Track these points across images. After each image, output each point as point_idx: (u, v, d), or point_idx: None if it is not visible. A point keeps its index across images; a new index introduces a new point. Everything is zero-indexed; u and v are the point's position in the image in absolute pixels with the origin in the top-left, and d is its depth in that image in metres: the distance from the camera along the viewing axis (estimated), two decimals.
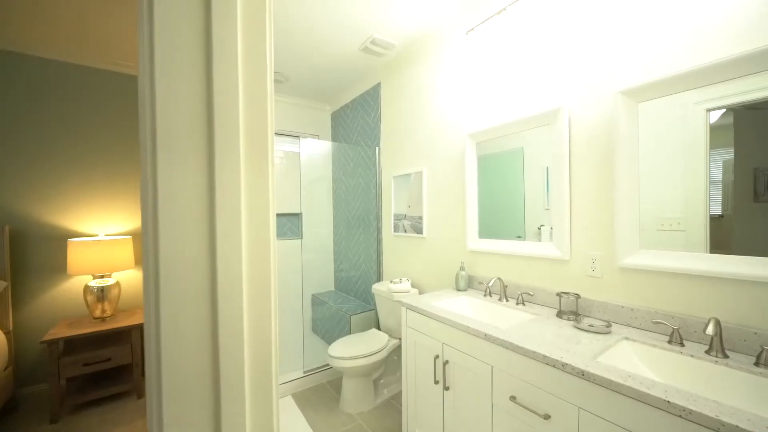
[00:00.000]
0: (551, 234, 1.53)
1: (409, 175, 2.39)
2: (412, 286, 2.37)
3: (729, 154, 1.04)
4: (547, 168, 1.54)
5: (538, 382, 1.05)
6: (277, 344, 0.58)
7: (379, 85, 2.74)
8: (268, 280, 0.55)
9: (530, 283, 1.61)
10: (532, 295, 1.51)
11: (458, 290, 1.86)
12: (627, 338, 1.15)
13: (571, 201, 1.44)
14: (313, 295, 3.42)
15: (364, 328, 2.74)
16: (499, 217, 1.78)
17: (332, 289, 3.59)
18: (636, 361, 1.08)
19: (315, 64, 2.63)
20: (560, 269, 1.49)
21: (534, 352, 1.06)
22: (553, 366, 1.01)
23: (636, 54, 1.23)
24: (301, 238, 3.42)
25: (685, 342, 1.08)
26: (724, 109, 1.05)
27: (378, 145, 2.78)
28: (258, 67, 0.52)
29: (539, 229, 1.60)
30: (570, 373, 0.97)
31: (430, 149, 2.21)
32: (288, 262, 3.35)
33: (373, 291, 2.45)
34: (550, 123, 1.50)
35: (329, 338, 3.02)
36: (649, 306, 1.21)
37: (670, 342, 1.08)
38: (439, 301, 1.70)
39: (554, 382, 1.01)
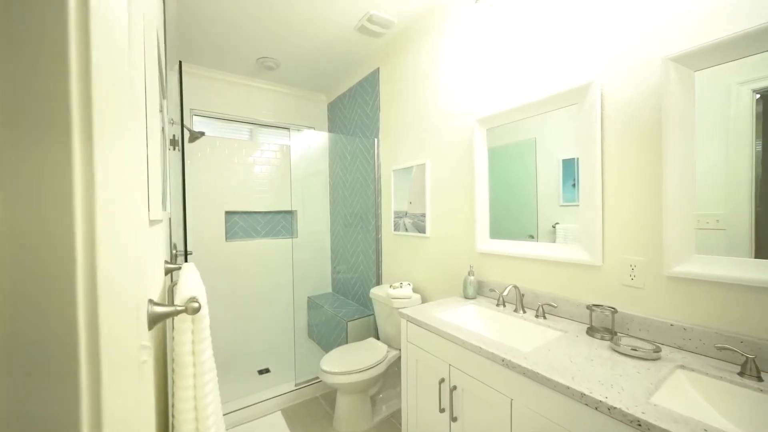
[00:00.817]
0: (566, 234, 1.31)
1: (411, 168, 2.16)
2: (414, 291, 2.14)
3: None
4: (562, 160, 1.32)
5: (573, 425, 0.82)
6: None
7: (377, 70, 2.51)
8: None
9: (552, 292, 1.37)
10: (555, 307, 1.27)
11: (466, 298, 1.63)
12: (682, 367, 0.91)
13: (603, 195, 1.20)
14: (308, 297, 3.20)
15: (362, 335, 2.52)
16: (509, 215, 1.55)
17: (329, 291, 3.37)
18: (700, 400, 0.85)
19: (308, 48, 2.40)
20: (590, 277, 1.25)
21: (568, 387, 0.83)
22: (595, 408, 0.77)
23: (689, 10, 0.99)
24: (293, 237, 3.20)
25: (763, 375, 0.84)
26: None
27: (377, 136, 2.55)
28: None
29: (554, 227, 1.37)
30: (618, 419, 0.74)
31: (434, 139, 1.97)
32: (281, 263, 3.13)
33: (371, 296, 2.23)
34: (577, 102, 1.26)
35: (326, 345, 2.81)
36: (708, 325, 0.97)
37: (742, 374, 0.84)
38: (445, 311, 1.47)
39: (596, 426, 0.78)
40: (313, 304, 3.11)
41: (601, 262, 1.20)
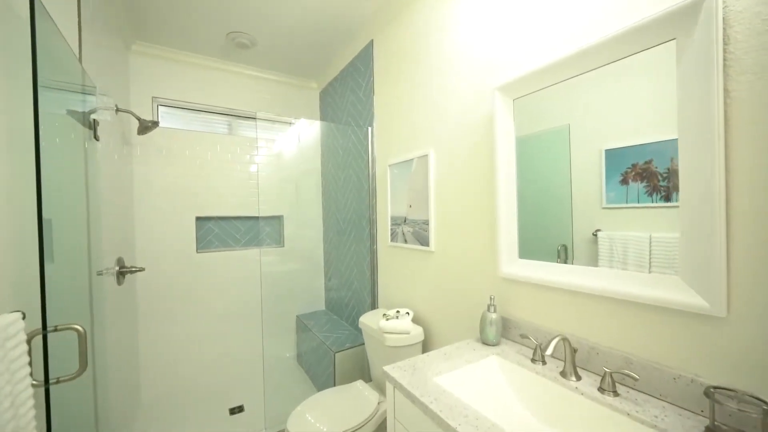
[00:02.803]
0: (613, 245, 0.87)
1: (410, 161, 1.67)
2: (415, 322, 1.65)
3: None
4: (605, 150, 0.91)
5: None
6: None
7: (371, 44, 2.04)
8: None
9: (628, 351, 0.86)
10: (637, 379, 0.77)
11: (485, 343, 1.13)
12: None
13: (728, 190, 0.69)
14: (297, 316, 2.75)
15: (352, 371, 2.04)
16: (538, 224, 1.08)
17: (322, 308, 2.91)
18: None
19: (285, 17, 1.95)
20: (703, 334, 0.73)
21: None
22: None
23: None
24: (279, 245, 2.76)
25: None
26: None
27: (370, 124, 2.08)
28: None
29: (595, 235, 0.93)
30: None
31: (440, 122, 1.48)
32: (268, 276, 2.69)
33: (360, 326, 1.75)
34: (677, 34, 0.75)
35: (314, 377, 2.34)
36: None
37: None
38: (454, 370, 0.98)
39: None
40: (301, 325, 2.65)
41: (724, 310, 0.69)
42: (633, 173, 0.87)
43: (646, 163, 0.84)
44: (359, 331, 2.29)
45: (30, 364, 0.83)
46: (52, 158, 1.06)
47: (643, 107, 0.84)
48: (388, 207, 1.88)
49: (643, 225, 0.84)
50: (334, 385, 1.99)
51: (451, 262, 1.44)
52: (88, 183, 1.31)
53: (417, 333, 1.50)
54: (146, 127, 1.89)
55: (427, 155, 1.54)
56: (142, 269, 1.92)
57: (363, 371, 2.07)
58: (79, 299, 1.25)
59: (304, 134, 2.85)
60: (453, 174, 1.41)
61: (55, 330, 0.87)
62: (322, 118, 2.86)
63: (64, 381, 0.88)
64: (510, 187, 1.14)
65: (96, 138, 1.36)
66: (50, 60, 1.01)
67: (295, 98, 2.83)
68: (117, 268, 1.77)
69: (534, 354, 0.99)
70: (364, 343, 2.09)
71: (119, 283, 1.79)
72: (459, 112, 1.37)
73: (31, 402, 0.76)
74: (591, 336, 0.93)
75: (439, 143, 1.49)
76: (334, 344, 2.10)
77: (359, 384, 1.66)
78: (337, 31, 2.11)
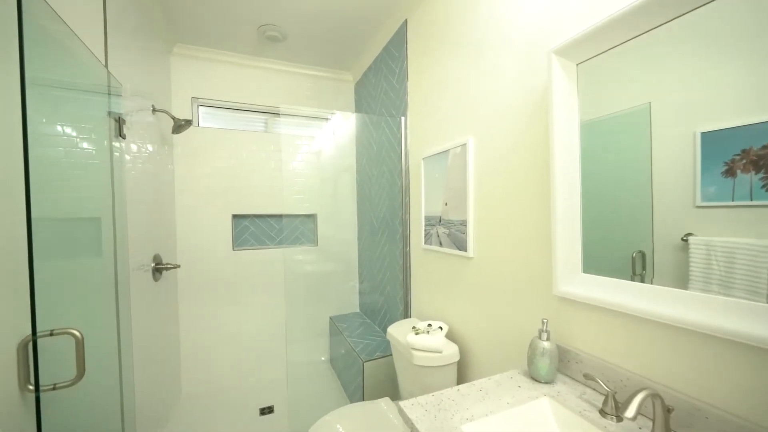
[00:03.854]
0: (712, 256, 0.64)
1: (446, 152, 1.46)
2: (450, 338, 1.43)
3: None
4: (701, 134, 0.64)
5: None
6: None
7: (404, 24, 1.84)
8: None
9: (755, 420, 0.58)
10: None
11: (535, 379, 0.89)
12: None
13: None
14: (331, 318, 2.67)
15: (384, 381, 1.88)
16: (605, 224, 0.82)
17: (356, 310, 2.79)
18: None
19: (315, 6, 1.84)
20: None
21: None
22: None
23: None
24: (308, 245, 2.69)
25: None
26: None
27: (404, 113, 1.88)
28: None
29: (684, 240, 0.68)
30: None
31: (482, 103, 1.24)
32: (301, 275, 2.64)
33: (387, 337, 1.58)
34: None
35: (345, 382, 2.23)
36: None
37: None
38: (491, 413, 0.76)
39: None
40: (333, 327, 2.56)
41: None
42: (744, 161, 0.59)
43: (764, 147, 0.56)
44: None
45: (36, 366, 0.79)
46: (72, 156, 1.05)
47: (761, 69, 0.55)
48: (421, 205, 1.68)
49: (760, 231, 0.57)
50: (363, 396, 1.85)
51: (492, 272, 1.20)
52: (114, 179, 1.30)
53: (451, 353, 1.28)
54: (180, 125, 1.91)
55: (465, 144, 1.31)
56: (177, 266, 1.95)
57: (394, 384, 1.90)
58: (107, 295, 1.25)
59: (339, 129, 2.75)
60: (496, 166, 1.17)
61: (51, 335, 0.82)
62: (357, 112, 2.73)
63: (62, 388, 0.83)
64: (571, 182, 0.88)
65: (122, 136, 1.36)
66: (67, 62, 1.00)
67: (330, 93, 2.73)
68: (153, 264, 1.81)
69: (604, 404, 0.73)
70: None
71: (155, 279, 1.83)
72: (505, 90, 1.13)
73: None
74: (694, 390, 0.66)
75: (480, 130, 1.25)
76: (363, 352, 1.96)
77: (384, 403, 1.49)
78: (368, 12, 1.95)
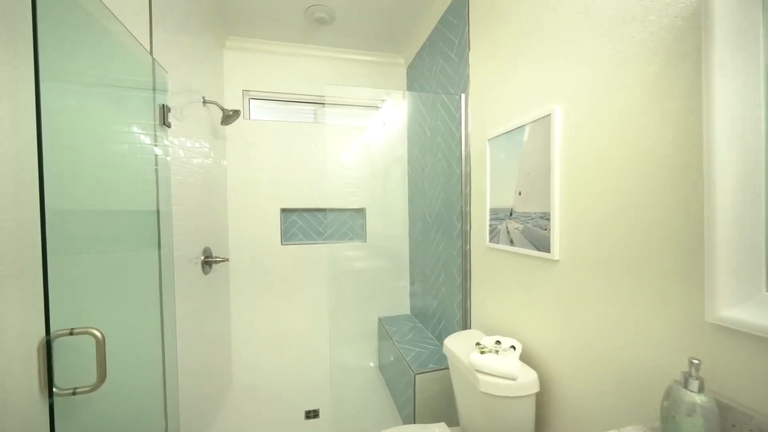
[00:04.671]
0: None
1: (521, 129, 1.17)
2: (524, 360, 1.15)
3: None
4: None
5: None
6: None
7: None
8: None
9: None
10: None
11: None
12: None
13: None
14: (379, 319, 2.50)
15: (438, 398, 1.65)
16: None
17: (407, 312, 2.59)
18: None
19: None
20: None
21: None
22: None
23: None
24: (356, 241, 2.53)
25: None
26: None
27: (464, 90, 1.62)
28: None
29: None
30: None
31: (576, 55, 0.94)
32: (349, 273, 2.51)
33: (444, 351, 1.34)
34: None
35: (395, 393, 2.04)
36: None
37: None
38: None
39: None
40: (382, 330, 2.38)
41: None
42: None
43: None
44: None
45: (50, 369, 0.72)
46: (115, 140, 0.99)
47: None
48: (486, 196, 1.40)
49: None
50: (414, 412, 1.64)
51: (589, 281, 0.90)
52: (158, 169, 1.25)
53: (528, 381, 1.01)
54: (228, 116, 1.87)
55: (548, 116, 1.02)
56: (225, 260, 1.93)
57: (450, 404, 1.66)
58: (151, 288, 1.21)
59: (390, 118, 2.55)
60: (598, 141, 0.87)
61: (71, 334, 0.75)
62: (411, 98, 2.50)
63: (82, 393, 0.75)
64: (745, 160, 0.57)
65: (167, 124, 1.31)
66: (107, 44, 0.93)
67: (380, 78, 2.55)
68: (203, 257, 1.79)
69: None
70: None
71: (205, 272, 1.81)
72: (619, 29, 0.82)
73: None
74: None
75: (573, 94, 0.95)
76: (415, 362, 1.74)
77: (440, 430, 1.26)
78: None
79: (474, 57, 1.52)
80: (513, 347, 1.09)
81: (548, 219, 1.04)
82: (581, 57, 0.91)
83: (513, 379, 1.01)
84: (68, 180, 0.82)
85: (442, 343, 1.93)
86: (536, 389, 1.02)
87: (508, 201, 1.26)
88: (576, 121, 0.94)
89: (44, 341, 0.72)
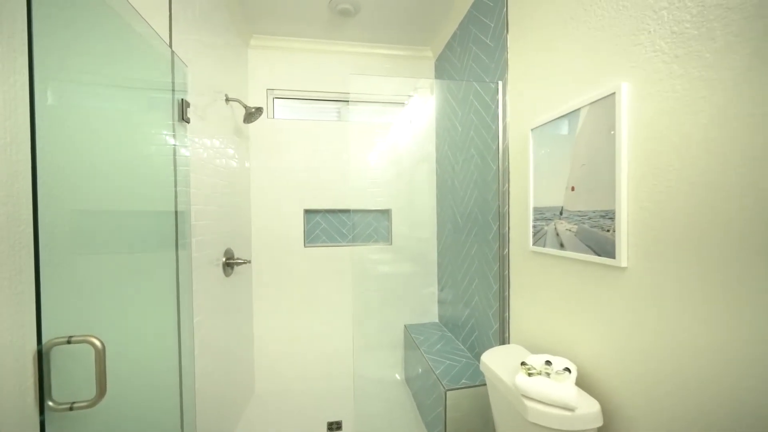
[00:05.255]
0: None
1: (574, 114, 1.00)
2: (581, 386, 0.97)
3: None
4: None
5: None
6: None
7: None
8: None
9: None
10: None
11: None
12: None
13: None
14: (405, 326, 2.36)
15: (471, 417, 1.49)
16: None
17: (435, 320, 2.43)
18: None
19: None
20: None
21: None
22: None
23: None
24: (381, 243, 2.41)
25: None
26: None
27: (501, 77, 1.46)
28: None
29: None
30: None
31: (650, 26, 0.78)
32: (374, 277, 2.40)
33: (481, 368, 1.18)
34: None
35: (422, 408, 1.89)
36: None
37: None
38: None
39: None
40: (409, 338, 2.24)
41: None
42: None
43: None
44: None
45: (41, 382, 0.65)
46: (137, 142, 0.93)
47: None
48: (529, 193, 1.24)
49: None
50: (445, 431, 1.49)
51: (670, 295, 0.73)
52: (177, 163, 1.20)
53: (589, 413, 0.83)
54: (251, 113, 1.82)
55: (612, 95, 0.85)
56: (247, 261, 1.87)
57: (486, 426, 1.49)
58: (168, 290, 1.15)
59: (417, 114, 2.43)
60: (680, 121, 0.70)
61: (68, 342, 0.67)
62: (439, 93, 2.36)
63: (79, 408, 0.68)
64: None
65: (185, 120, 1.26)
66: (125, 33, 0.87)
67: (407, 74, 2.43)
68: (224, 259, 1.74)
69: None
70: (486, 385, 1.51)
71: (226, 274, 1.76)
72: None
73: None
74: None
75: (645, 66, 0.78)
76: (445, 376, 1.59)
77: None
78: None
79: (513, 39, 1.37)
80: (568, 370, 0.92)
81: (612, 218, 0.87)
82: (658, 24, 0.74)
83: (570, 409, 0.84)
84: (83, 180, 0.76)
85: (474, 355, 1.76)
86: (599, 423, 0.84)
87: (556, 198, 1.09)
88: (650, 100, 0.77)
89: (46, 347, 0.65)
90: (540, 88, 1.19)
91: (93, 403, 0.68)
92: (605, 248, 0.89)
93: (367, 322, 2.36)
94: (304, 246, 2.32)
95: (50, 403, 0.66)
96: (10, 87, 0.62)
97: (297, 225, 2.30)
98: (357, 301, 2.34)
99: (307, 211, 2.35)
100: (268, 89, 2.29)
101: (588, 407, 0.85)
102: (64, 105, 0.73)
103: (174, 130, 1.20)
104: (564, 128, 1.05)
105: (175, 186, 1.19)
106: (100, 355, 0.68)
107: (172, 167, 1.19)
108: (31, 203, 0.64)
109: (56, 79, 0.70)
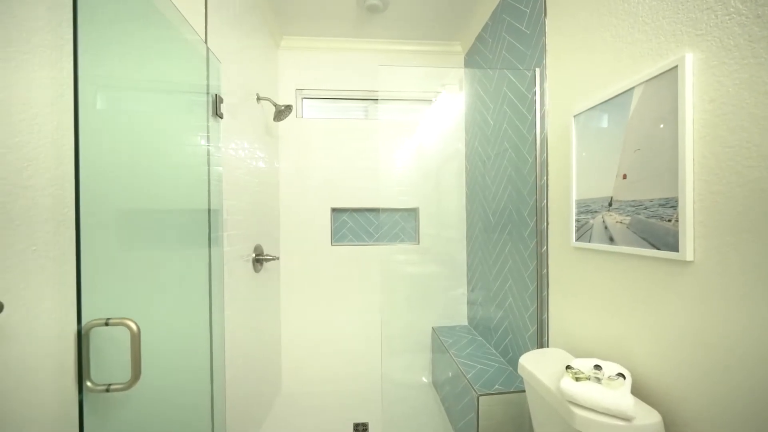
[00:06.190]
0: None
1: (627, 94, 0.91)
2: (637, 395, 0.87)
3: None
4: None
5: None
6: None
7: None
8: None
9: None
10: None
11: None
12: None
13: None
14: (433, 329, 2.29)
15: (506, 425, 1.40)
16: None
17: (464, 323, 2.34)
18: None
19: None
20: None
21: None
22: None
23: None
24: (408, 243, 2.35)
25: None
26: None
27: (539, 64, 1.38)
28: None
29: None
30: None
31: None
32: (401, 277, 2.35)
33: (519, 371, 1.10)
34: None
35: (452, 413, 1.81)
36: None
37: None
38: None
39: None
40: (437, 341, 2.17)
41: None
42: None
43: None
44: (514, 366, 1.61)
45: (80, 362, 0.66)
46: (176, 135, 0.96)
47: None
48: (572, 185, 1.15)
49: None
50: None
51: (747, 292, 0.63)
52: (210, 163, 1.22)
53: (649, 424, 0.74)
54: (280, 111, 1.84)
55: (674, 68, 0.77)
56: (276, 258, 1.89)
57: None
58: (201, 285, 1.17)
59: (445, 111, 2.37)
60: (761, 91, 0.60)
61: (106, 324, 0.68)
62: (469, 89, 2.30)
63: (116, 390, 0.68)
64: None
65: (219, 115, 1.28)
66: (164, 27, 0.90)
67: (436, 70, 2.39)
68: (254, 255, 1.76)
69: None
70: (522, 390, 1.42)
71: (256, 270, 1.78)
72: None
73: None
74: None
75: (717, 30, 0.69)
76: (477, 381, 1.51)
77: None
78: None
79: (552, 21, 1.29)
80: (622, 375, 0.83)
81: (674, 207, 0.77)
82: None
83: (626, 419, 0.75)
84: (127, 179, 0.78)
85: (508, 360, 1.67)
86: None
87: (604, 188, 1.00)
88: (722, 69, 0.68)
89: (86, 327, 0.66)
90: (583, 71, 1.11)
91: (128, 386, 0.68)
92: (666, 240, 0.80)
93: (393, 323, 2.31)
94: (331, 245, 2.32)
95: (88, 384, 0.66)
96: (58, 72, 0.64)
97: (324, 224, 2.31)
98: (384, 301, 2.30)
99: (334, 210, 2.35)
100: (297, 89, 2.32)
101: (648, 418, 0.75)
102: (107, 97, 0.75)
103: (208, 127, 1.22)
104: (613, 111, 0.96)
105: (209, 183, 1.21)
106: (136, 338, 0.68)
107: (206, 164, 1.21)
108: (74, 186, 0.65)
109: (98, 70, 0.72)
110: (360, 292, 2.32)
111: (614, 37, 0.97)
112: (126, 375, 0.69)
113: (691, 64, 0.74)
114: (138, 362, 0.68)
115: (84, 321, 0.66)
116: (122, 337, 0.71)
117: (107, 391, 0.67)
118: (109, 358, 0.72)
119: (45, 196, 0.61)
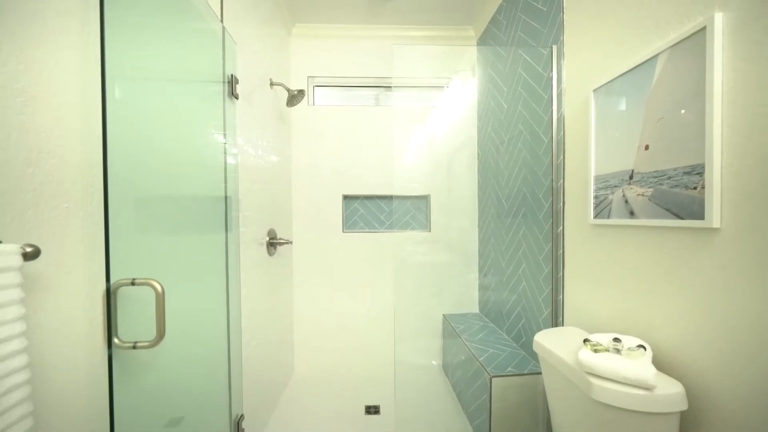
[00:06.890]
0: None
1: (650, 62, 0.89)
2: (659, 369, 0.86)
3: None
4: None
5: None
6: None
7: None
8: None
9: None
10: None
11: None
12: None
13: None
14: (444, 316, 2.29)
15: (519, 407, 1.40)
16: None
17: (475, 310, 2.33)
18: None
19: None
20: None
21: None
22: None
23: None
24: (419, 230, 2.35)
25: None
26: None
27: (556, 41, 1.36)
28: None
29: None
30: None
31: None
32: (412, 265, 2.35)
33: (534, 348, 1.09)
34: None
35: (463, 397, 1.81)
36: None
37: None
38: None
39: None
40: (448, 328, 2.17)
41: None
42: None
43: None
44: (526, 349, 1.60)
45: (109, 318, 0.68)
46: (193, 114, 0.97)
47: None
48: (590, 161, 1.13)
49: None
50: (490, 423, 1.40)
51: None
52: (227, 143, 1.24)
53: (671, 394, 0.73)
54: (293, 96, 1.85)
55: (702, 30, 0.74)
56: (289, 242, 1.91)
57: (535, 421, 1.39)
58: (218, 266, 1.19)
59: (458, 97, 2.35)
60: None
61: (132, 284, 0.70)
62: (482, 74, 2.27)
63: (141, 347, 0.70)
64: None
65: (235, 96, 1.30)
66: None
67: (447, 57, 2.37)
68: (268, 238, 1.78)
69: None
70: (536, 372, 1.41)
71: (270, 253, 1.81)
72: None
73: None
74: None
75: None
76: (490, 364, 1.51)
77: None
78: None
79: None
80: (643, 347, 0.81)
81: (700, 173, 0.75)
82: None
83: (647, 388, 0.74)
84: (147, 166, 0.80)
85: (521, 345, 1.66)
86: (683, 407, 0.73)
87: (625, 161, 0.98)
88: (755, 26, 0.65)
89: (113, 287, 0.68)
90: (603, 44, 1.08)
91: (153, 344, 0.70)
92: (690, 209, 0.78)
93: (405, 311, 2.32)
94: (343, 231, 2.33)
95: (116, 340, 0.69)
96: (85, 36, 0.66)
97: (336, 211, 2.32)
98: (395, 289, 2.31)
99: (345, 197, 2.36)
100: (309, 77, 2.33)
101: (670, 388, 0.74)
102: (131, 76, 0.77)
103: (224, 108, 1.24)
104: (636, 82, 0.94)
105: (225, 168, 1.22)
106: (160, 299, 0.70)
107: (222, 146, 1.22)
108: (102, 149, 0.67)
109: (125, 48, 0.74)
110: (371, 278, 2.33)
111: (637, 3, 0.94)
112: (150, 336, 0.72)
113: (720, 23, 0.71)
114: (162, 321, 0.70)
115: (112, 280, 0.68)
116: (147, 298, 0.73)
117: (134, 348, 0.70)
118: (135, 318, 0.74)
119: (75, 153, 0.63)
